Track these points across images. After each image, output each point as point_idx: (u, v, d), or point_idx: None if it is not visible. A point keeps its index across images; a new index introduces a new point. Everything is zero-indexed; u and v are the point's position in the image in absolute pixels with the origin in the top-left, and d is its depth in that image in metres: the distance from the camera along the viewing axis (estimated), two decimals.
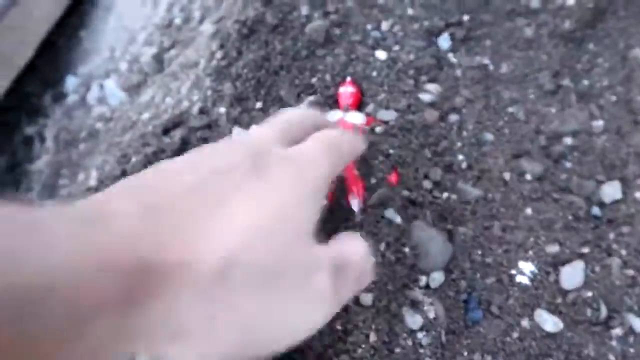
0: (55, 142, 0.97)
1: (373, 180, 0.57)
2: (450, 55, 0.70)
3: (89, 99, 0.96)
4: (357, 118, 0.61)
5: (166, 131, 0.65)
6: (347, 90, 0.64)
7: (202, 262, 0.28)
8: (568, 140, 0.65)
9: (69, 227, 0.25)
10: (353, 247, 0.38)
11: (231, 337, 0.30)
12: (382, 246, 0.54)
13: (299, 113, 0.45)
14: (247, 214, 0.31)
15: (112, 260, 0.25)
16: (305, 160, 0.36)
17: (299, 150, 0.37)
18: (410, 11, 0.72)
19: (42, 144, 1.02)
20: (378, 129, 0.61)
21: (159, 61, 0.81)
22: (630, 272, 0.55)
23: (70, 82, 1.02)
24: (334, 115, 0.61)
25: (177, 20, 0.84)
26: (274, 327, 0.32)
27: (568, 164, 0.63)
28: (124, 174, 0.64)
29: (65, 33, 1.11)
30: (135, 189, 0.30)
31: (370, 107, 0.64)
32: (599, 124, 0.66)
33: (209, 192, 0.31)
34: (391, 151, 0.60)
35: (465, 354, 0.51)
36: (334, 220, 0.55)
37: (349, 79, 0.66)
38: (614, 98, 0.68)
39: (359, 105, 0.65)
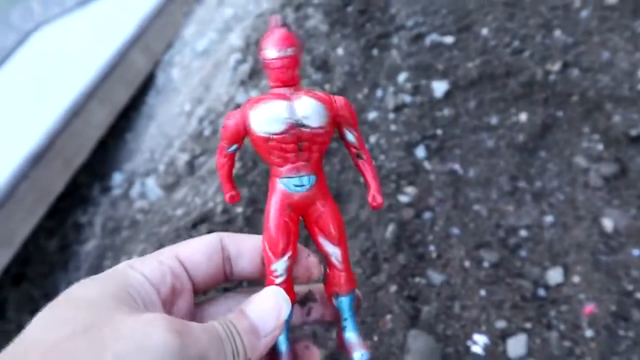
0: (102, 229, 1.15)
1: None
2: (426, 163, 0.86)
3: (132, 193, 1.14)
4: None
5: (194, 225, 0.82)
6: None
7: None
8: (523, 233, 0.79)
9: None
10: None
11: None
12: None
13: None
14: None
15: None
16: None
17: None
18: (393, 127, 0.89)
19: (90, 229, 1.20)
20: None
21: (191, 166, 0.99)
22: (567, 343, 0.67)
23: (117, 178, 1.22)
24: None
25: (207, 132, 1.03)
26: None
27: (523, 253, 0.77)
28: None
29: (114, 135, 1.32)
30: None
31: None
32: (549, 219, 0.80)
33: None
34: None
35: None
36: None
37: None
38: (562, 197, 0.82)
39: None
